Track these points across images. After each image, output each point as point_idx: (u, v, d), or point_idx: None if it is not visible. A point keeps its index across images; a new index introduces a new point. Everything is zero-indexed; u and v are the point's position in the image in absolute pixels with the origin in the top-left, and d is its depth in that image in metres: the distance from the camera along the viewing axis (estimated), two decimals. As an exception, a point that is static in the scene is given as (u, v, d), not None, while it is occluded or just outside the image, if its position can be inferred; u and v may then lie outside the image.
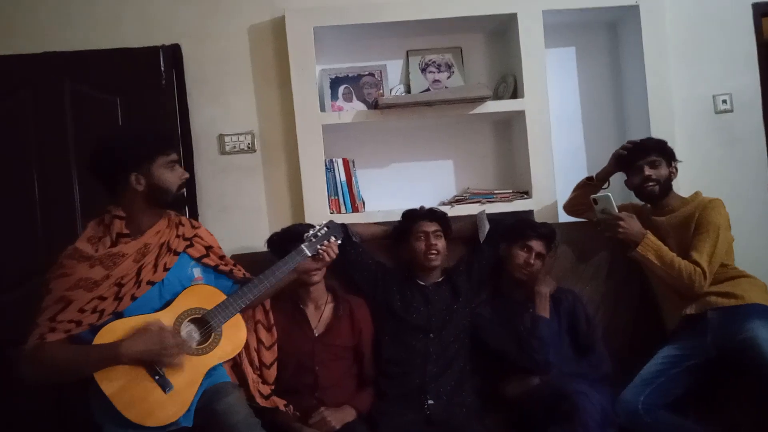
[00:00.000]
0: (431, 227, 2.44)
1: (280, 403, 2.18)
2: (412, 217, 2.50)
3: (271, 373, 2.24)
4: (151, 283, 1.92)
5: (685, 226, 2.39)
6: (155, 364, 1.82)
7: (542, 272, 2.46)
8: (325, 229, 2.19)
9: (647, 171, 2.43)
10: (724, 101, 3.08)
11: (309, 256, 2.14)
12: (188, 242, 2.06)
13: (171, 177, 1.97)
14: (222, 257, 2.14)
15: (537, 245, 2.43)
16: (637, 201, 2.59)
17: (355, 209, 2.92)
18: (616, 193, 2.62)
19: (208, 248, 2.11)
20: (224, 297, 2.00)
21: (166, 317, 1.90)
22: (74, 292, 1.82)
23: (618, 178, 2.61)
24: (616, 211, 2.43)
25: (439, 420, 2.19)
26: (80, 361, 1.78)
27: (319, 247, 2.15)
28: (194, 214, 2.89)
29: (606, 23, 3.17)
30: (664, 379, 2.19)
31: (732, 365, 2.16)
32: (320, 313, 2.38)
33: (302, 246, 2.14)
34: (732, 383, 2.18)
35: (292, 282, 2.25)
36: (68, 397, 2.59)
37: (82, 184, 2.83)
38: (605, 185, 2.68)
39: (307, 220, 2.82)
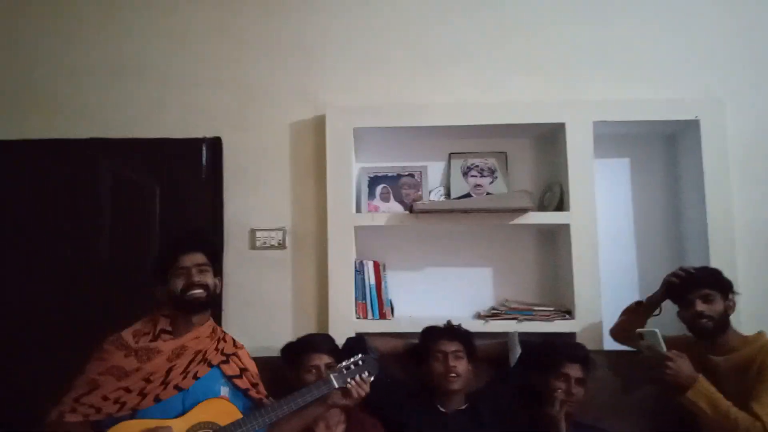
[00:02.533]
0: (451, 347, 2.27)
1: None
2: (431, 335, 2.33)
3: None
4: (178, 388, 1.94)
5: (745, 371, 2.13)
6: None
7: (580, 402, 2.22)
8: (360, 362, 2.10)
9: (699, 306, 2.19)
10: (794, 225, 2.79)
11: (336, 389, 2.06)
12: (225, 358, 2.07)
13: (176, 282, 2.04)
14: (256, 384, 2.11)
15: (574, 370, 2.21)
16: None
17: (382, 316, 2.77)
18: (669, 322, 2.37)
19: (243, 370, 2.10)
20: (240, 416, 1.96)
21: (180, 425, 1.88)
22: (104, 377, 1.88)
23: (672, 305, 2.37)
24: (664, 349, 2.19)
25: None
26: None
27: (349, 380, 2.06)
28: (217, 307, 2.82)
29: (664, 136, 2.99)
30: None
31: None
32: None
33: (330, 376, 2.07)
34: None
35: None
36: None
37: (113, 267, 2.84)
38: (656, 312, 2.45)
39: (332, 324, 2.70)
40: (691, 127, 2.79)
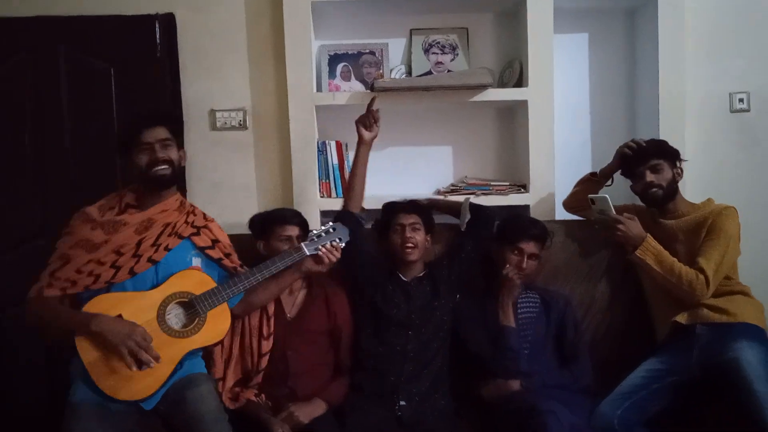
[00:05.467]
0: (409, 219, 2.35)
1: (250, 393, 2.16)
2: (391, 209, 2.41)
3: (258, 378, 2.21)
4: (151, 261, 1.98)
5: (696, 232, 2.26)
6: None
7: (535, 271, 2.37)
8: (331, 230, 2.14)
9: (649, 176, 2.30)
10: (741, 100, 2.88)
11: (308, 255, 2.10)
12: (195, 230, 2.10)
13: (140, 158, 2.02)
14: (229, 255, 2.14)
15: (529, 247, 2.32)
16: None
17: (345, 194, 2.84)
18: (621, 191, 2.50)
19: (215, 241, 2.13)
20: (215, 285, 2.03)
21: (155, 297, 1.96)
22: (74, 251, 1.93)
23: (625, 179, 2.48)
24: (614, 212, 2.32)
25: (409, 422, 2.14)
26: (62, 322, 1.88)
27: (320, 247, 2.10)
28: (183, 189, 2.84)
29: (623, 10, 2.98)
30: (645, 394, 2.10)
31: (715, 385, 2.07)
32: (294, 297, 2.32)
33: (302, 244, 2.11)
34: (714, 404, 2.09)
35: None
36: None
37: (76, 148, 2.81)
38: (608, 182, 2.56)
39: (296, 203, 2.76)
40: (650, 0, 2.79)
